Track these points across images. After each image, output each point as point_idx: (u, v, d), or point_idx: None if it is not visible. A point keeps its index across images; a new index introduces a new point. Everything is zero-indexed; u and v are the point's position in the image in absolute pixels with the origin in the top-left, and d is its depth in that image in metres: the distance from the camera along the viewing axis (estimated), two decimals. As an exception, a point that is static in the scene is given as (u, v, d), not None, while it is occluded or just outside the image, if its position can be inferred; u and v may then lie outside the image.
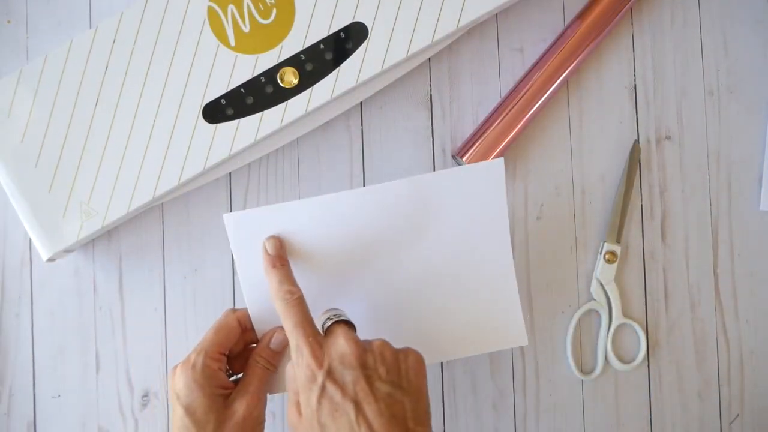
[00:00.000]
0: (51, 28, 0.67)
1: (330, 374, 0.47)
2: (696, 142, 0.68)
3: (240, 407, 0.52)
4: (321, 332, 0.51)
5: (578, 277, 0.67)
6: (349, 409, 0.46)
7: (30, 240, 0.65)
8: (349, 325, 0.51)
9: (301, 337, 0.48)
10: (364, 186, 0.66)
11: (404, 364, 0.49)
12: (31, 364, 0.65)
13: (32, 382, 0.65)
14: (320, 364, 0.47)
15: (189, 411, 0.51)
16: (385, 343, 0.49)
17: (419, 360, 0.50)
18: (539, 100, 0.65)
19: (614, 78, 0.68)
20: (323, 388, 0.47)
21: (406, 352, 0.50)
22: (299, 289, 0.51)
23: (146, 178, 0.60)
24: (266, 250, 0.53)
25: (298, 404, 0.49)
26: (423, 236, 0.55)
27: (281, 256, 0.53)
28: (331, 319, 0.51)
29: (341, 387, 0.47)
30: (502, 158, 0.54)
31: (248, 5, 0.60)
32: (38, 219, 0.60)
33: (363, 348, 0.48)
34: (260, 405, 0.53)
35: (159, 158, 0.60)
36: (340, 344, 0.48)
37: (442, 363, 0.66)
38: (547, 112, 0.67)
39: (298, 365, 0.48)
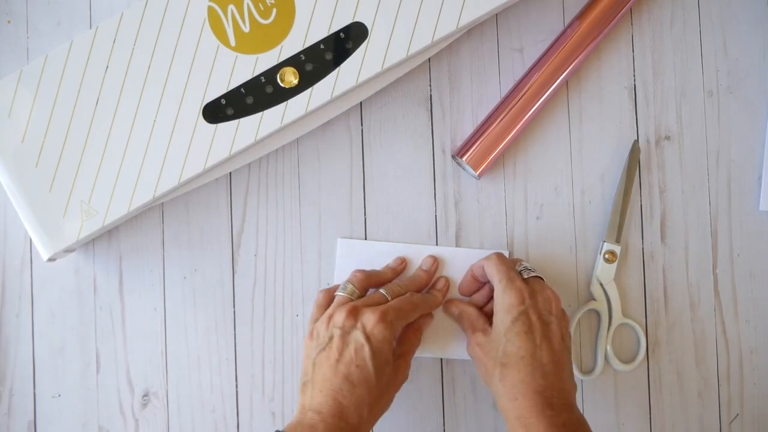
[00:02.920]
0: (51, 28, 0.67)
1: (535, 306, 0.58)
2: (696, 142, 0.68)
3: (403, 369, 0.60)
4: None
5: (578, 277, 0.67)
6: (539, 333, 0.57)
7: (30, 240, 0.65)
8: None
9: (515, 277, 0.59)
10: (364, 187, 0.66)
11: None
12: (32, 364, 0.65)
13: (32, 382, 0.65)
14: (529, 297, 0.58)
15: (376, 354, 0.57)
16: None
17: None
18: (539, 100, 0.65)
19: (614, 78, 0.68)
20: (525, 313, 0.57)
21: None
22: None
23: (146, 178, 0.60)
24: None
25: (483, 330, 0.60)
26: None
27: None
28: (529, 271, 0.61)
29: (540, 317, 0.58)
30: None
31: (248, 5, 0.60)
32: (39, 219, 0.60)
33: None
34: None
35: (159, 158, 0.60)
36: (548, 292, 0.60)
37: (441, 363, 0.66)
38: (547, 112, 0.67)
39: (509, 290, 0.58)
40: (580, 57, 0.65)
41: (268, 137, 0.61)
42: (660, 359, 0.67)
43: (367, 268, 0.64)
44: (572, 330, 0.66)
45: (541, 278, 0.61)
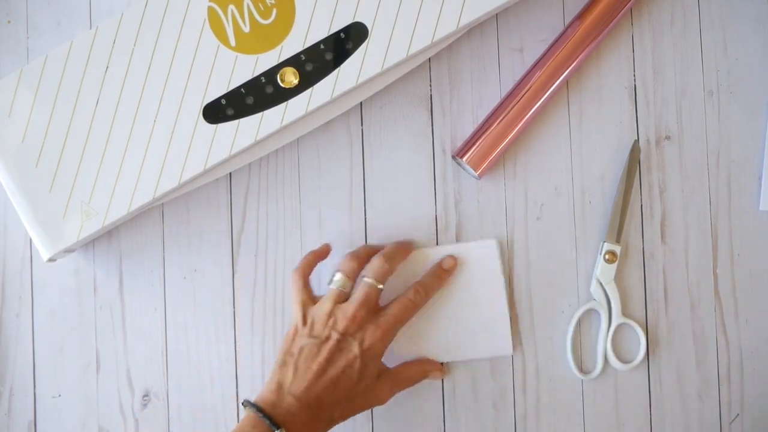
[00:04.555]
0: (51, 28, 0.67)
1: None
2: (696, 142, 0.68)
3: (384, 393, 0.61)
4: None
5: (578, 277, 0.67)
6: None
7: (30, 240, 0.65)
8: None
9: None
10: (364, 187, 0.67)
11: None
12: (32, 364, 0.65)
13: (33, 382, 0.65)
14: None
15: (365, 368, 0.58)
16: None
17: None
18: (539, 100, 0.65)
19: (614, 78, 0.68)
20: None
21: None
22: None
23: (146, 178, 0.60)
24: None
25: None
26: None
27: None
28: None
29: None
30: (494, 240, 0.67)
31: (248, 5, 0.60)
32: (39, 219, 0.60)
33: None
34: None
35: (159, 158, 0.60)
36: None
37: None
38: (547, 112, 0.67)
39: None
40: (580, 57, 0.65)
41: (268, 137, 0.61)
42: (660, 359, 0.67)
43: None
44: (572, 330, 0.66)
45: None
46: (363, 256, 0.62)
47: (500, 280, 0.66)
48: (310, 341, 0.58)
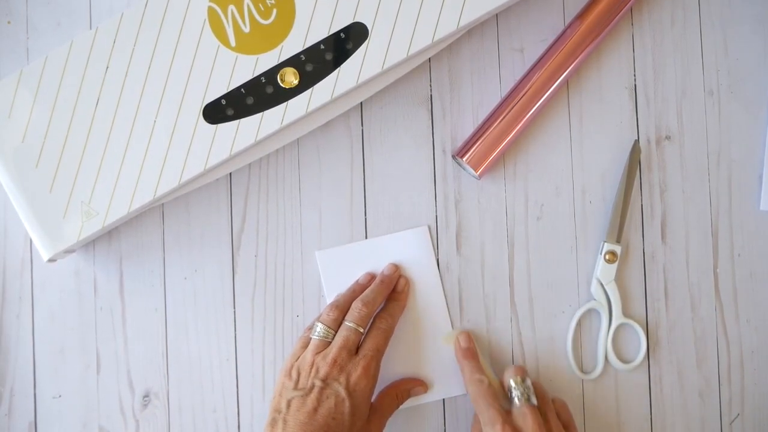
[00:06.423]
0: (51, 28, 0.67)
1: None
2: (696, 142, 0.68)
3: (377, 427, 0.61)
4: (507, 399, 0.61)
5: (578, 277, 0.67)
6: None
7: (30, 240, 0.65)
8: (534, 407, 0.59)
9: (495, 415, 0.58)
10: (364, 187, 0.67)
11: None
12: (32, 365, 0.65)
13: (33, 383, 0.65)
14: None
15: (355, 409, 0.58)
16: None
17: None
18: (539, 100, 0.65)
19: (614, 78, 0.68)
20: None
21: None
22: (486, 377, 0.62)
23: (147, 178, 0.60)
24: (459, 343, 0.64)
25: None
26: None
27: (472, 348, 0.64)
28: (522, 397, 0.60)
29: None
30: (425, 227, 0.67)
31: (248, 5, 0.60)
32: (39, 219, 0.60)
33: None
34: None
35: (159, 159, 0.60)
36: (529, 425, 0.57)
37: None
38: (547, 112, 0.67)
39: None
40: (580, 57, 0.65)
41: (268, 138, 0.61)
42: (661, 359, 0.67)
43: (353, 271, 0.65)
44: (572, 330, 0.66)
45: (534, 405, 0.59)
46: (343, 305, 0.62)
47: (434, 266, 0.66)
48: (295, 394, 0.58)
